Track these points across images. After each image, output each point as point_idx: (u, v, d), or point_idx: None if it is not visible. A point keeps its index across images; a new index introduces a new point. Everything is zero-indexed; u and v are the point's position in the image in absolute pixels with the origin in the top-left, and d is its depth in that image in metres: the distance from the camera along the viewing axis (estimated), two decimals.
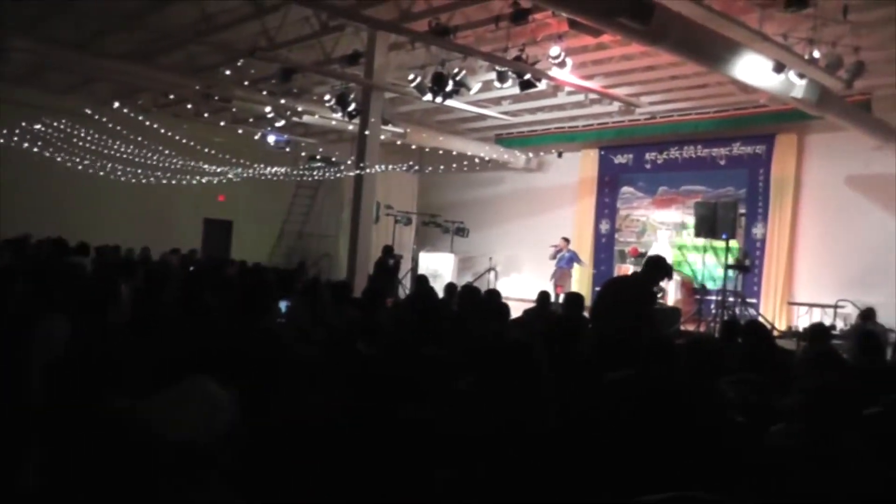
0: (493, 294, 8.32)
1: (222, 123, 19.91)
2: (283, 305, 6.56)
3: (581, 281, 19.83)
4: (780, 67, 10.97)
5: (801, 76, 11.38)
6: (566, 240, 18.47)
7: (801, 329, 14.40)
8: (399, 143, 19.51)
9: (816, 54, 11.01)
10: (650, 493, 2.79)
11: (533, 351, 2.77)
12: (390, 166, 18.56)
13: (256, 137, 20.65)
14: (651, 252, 17.95)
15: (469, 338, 5.28)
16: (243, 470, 2.02)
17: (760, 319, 15.56)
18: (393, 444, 1.97)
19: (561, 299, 11.97)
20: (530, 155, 21.59)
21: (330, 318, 5.76)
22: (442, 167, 20.41)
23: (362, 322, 5.61)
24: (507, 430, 2.58)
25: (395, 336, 5.09)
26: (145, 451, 1.71)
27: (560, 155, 21.06)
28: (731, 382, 5.14)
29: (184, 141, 18.46)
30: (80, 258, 10.86)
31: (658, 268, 7.27)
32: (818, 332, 7.60)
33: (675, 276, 16.69)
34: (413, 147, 20.16)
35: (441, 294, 10.41)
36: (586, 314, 8.00)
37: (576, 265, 18.45)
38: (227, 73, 15.46)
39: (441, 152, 20.19)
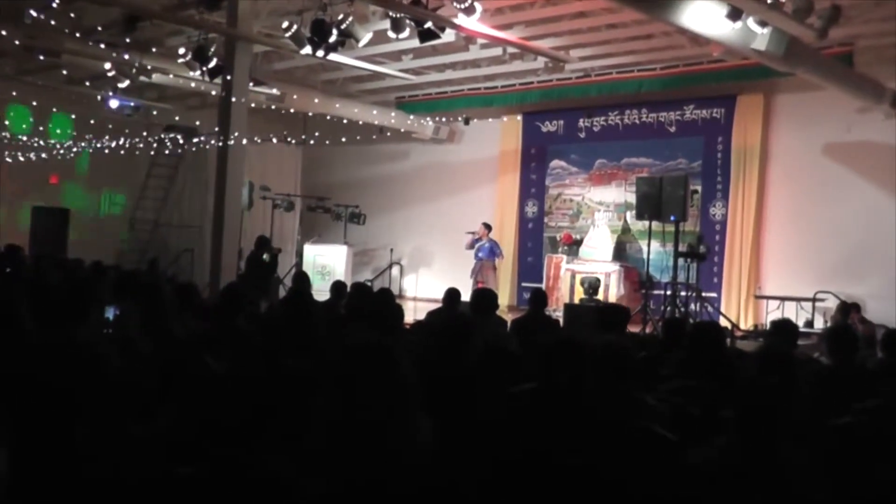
0: (385, 294, 8.37)
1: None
2: (111, 312, 6.49)
3: (506, 276, 19.97)
4: (735, 13, 11.11)
5: (763, 24, 11.56)
6: (487, 226, 18.53)
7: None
8: (276, 108, 19.34)
9: None
10: None
11: (384, 359, 2.79)
12: (265, 137, 18.38)
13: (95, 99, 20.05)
14: (587, 238, 18.18)
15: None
16: None
17: (721, 317, 15.85)
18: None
19: None
20: (442, 120, 21.60)
21: (171, 327, 5.72)
22: (330, 138, 20.33)
23: (214, 331, 5.59)
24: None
25: (253, 347, 5.07)
26: None
27: (468, 122, 20.92)
28: (670, 392, 5.27)
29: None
30: None
31: None
32: (780, 330, 7.63)
33: (618, 267, 16.93)
34: (294, 113, 19.99)
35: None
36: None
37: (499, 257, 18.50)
38: (53, 21, 15.05)
39: (330, 119, 20.06)
